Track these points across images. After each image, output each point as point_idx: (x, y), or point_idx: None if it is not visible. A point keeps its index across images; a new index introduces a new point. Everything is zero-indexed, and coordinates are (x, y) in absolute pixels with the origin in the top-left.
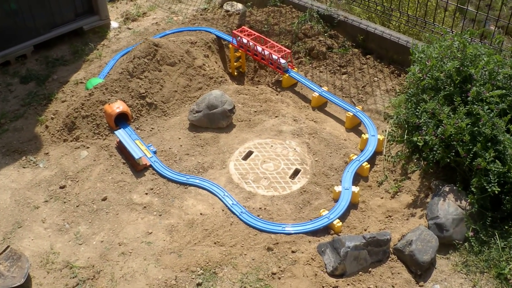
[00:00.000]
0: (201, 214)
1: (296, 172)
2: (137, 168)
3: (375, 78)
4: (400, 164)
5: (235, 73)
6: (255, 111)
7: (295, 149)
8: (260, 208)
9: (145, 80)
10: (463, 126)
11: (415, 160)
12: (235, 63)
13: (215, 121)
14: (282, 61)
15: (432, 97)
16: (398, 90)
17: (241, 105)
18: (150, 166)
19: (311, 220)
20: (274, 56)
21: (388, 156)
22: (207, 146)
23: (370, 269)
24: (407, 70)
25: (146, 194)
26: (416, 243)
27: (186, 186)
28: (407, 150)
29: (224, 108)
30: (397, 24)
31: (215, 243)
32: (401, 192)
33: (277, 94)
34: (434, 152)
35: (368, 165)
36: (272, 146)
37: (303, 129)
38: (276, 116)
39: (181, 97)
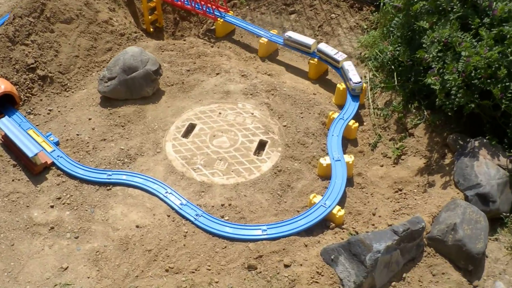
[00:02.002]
0: (137, 226)
1: (262, 145)
2: (34, 170)
3: (332, 15)
4: (394, 117)
5: (151, 29)
6: (188, 70)
7: (252, 113)
8: (222, 205)
9: (33, 46)
10: (494, 57)
11: (414, 111)
12: (149, 17)
13: (137, 89)
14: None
15: (434, 23)
16: (365, 26)
17: (168, 65)
18: (53, 164)
19: (299, 212)
20: None
21: (376, 108)
22: (130, 125)
23: (403, 274)
24: (370, 2)
25: (52, 207)
26: (461, 227)
27: (109, 187)
28: (401, 98)
29: (146, 70)
30: None
31: (166, 270)
32: (405, 154)
33: (212, 46)
34: (455, 97)
35: (356, 124)
36: (220, 113)
37: (257, 86)
38: (217, 74)
39: (84, 63)
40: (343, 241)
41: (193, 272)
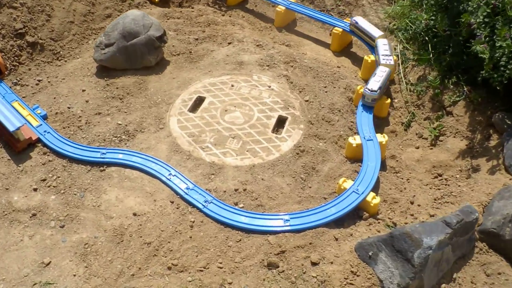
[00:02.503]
0: (134, 214)
1: (281, 122)
2: (17, 147)
3: None
4: (428, 94)
5: None
6: (196, 39)
7: (269, 86)
8: (236, 190)
9: (22, 9)
10: None
11: (452, 87)
12: None
13: (138, 58)
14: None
15: None
16: None
17: (174, 33)
18: (38, 141)
19: (327, 200)
20: None
21: (408, 84)
22: (129, 98)
23: (453, 274)
24: None
25: (35, 190)
26: None
27: (102, 168)
28: (436, 73)
29: (149, 36)
30: None
31: (169, 267)
32: (444, 135)
33: (223, 15)
34: (505, 68)
35: (388, 100)
36: (233, 86)
37: (275, 57)
38: (229, 43)
39: (80, 30)
40: (383, 234)
41: (201, 271)
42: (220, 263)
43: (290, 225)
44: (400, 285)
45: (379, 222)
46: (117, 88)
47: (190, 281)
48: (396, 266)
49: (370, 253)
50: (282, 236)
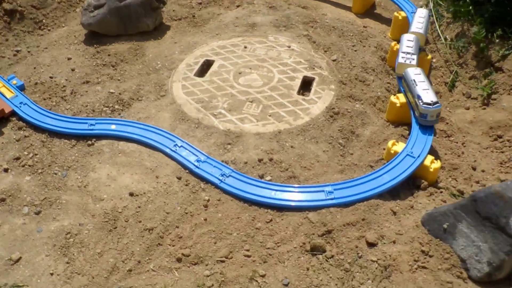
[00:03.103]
0: (131, 195)
1: (307, 83)
2: None
3: None
4: (470, 51)
5: None
6: (199, 3)
7: (289, 46)
8: (260, 160)
9: None
10: None
11: (498, 41)
12: None
13: (133, 21)
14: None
15: None
16: None
17: None
18: (12, 114)
19: (374, 168)
20: None
21: (447, 41)
22: (123, 65)
23: None
24: None
25: (6, 170)
26: None
27: (90, 141)
28: (478, 27)
29: None
30: None
31: (179, 259)
32: (497, 93)
33: None
34: None
35: (429, 56)
36: (246, 47)
37: (292, 17)
38: (237, 6)
39: None
40: (461, 200)
41: (223, 261)
42: (247, 250)
43: (334, 198)
44: (491, 264)
45: (441, 192)
46: (108, 55)
47: (208, 276)
48: (484, 238)
49: (445, 226)
50: (326, 212)
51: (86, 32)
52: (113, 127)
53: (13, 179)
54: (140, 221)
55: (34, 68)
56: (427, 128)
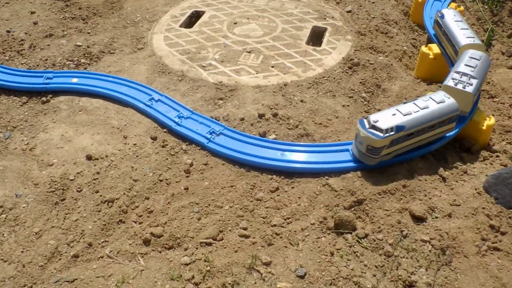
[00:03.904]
0: (89, 158)
1: (317, 35)
2: None
3: None
4: (506, 8)
5: None
6: None
7: None
8: (261, 116)
9: None
10: None
11: None
12: None
13: None
14: None
15: None
16: None
17: None
18: None
19: None
20: None
21: None
22: (95, 19)
23: None
24: None
25: None
26: None
27: (45, 97)
28: None
29: None
30: None
31: (146, 240)
32: None
33: None
34: None
35: (462, 7)
36: None
37: None
38: None
39: None
40: None
41: (209, 244)
42: (244, 229)
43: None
44: None
45: (497, 156)
46: (79, 8)
47: (187, 264)
48: None
49: None
50: (353, 176)
51: None
52: (74, 80)
53: None
54: (97, 191)
55: None
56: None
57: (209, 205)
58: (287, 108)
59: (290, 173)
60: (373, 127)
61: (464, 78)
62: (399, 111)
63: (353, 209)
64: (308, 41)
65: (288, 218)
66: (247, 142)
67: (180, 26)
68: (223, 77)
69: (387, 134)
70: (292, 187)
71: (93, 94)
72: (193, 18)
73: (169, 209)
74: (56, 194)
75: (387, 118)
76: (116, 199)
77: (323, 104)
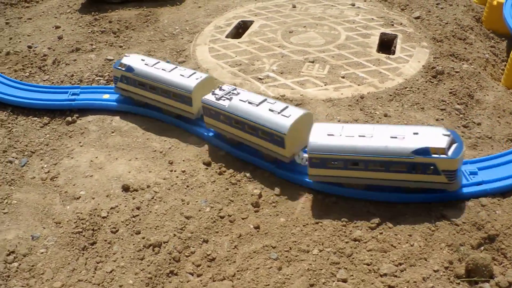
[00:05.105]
0: (126, 189)
1: (387, 42)
2: None
3: None
4: None
5: None
6: None
7: (353, 4)
8: None
9: None
10: None
11: None
12: None
13: None
14: None
15: None
16: None
17: None
18: None
19: None
20: None
21: None
22: (128, 32)
23: None
24: None
25: None
26: None
27: (71, 117)
28: None
29: None
30: None
31: None
32: None
33: None
34: None
35: None
36: (295, 7)
37: None
38: None
39: None
40: None
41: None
42: (344, 281)
43: (483, 182)
44: None
45: None
46: (109, 22)
47: None
48: None
49: None
50: (475, 206)
51: (84, 1)
52: (106, 96)
53: None
54: (138, 232)
55: (10, 39)
56: None
57: (290, 249)
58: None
59: (391, 204)
60: None
61: None
62: None
63: (482, 247)
64: (378, 49)
65: (401, 264)
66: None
67: (227, 36)
68: (285, 90)
69: None
70: (397, 222)
71: (129, 112)
72: (240, 29)
73: (236, 255)
74: (84, 236)
75: None
76: (165, 242)
77: (412, 119)
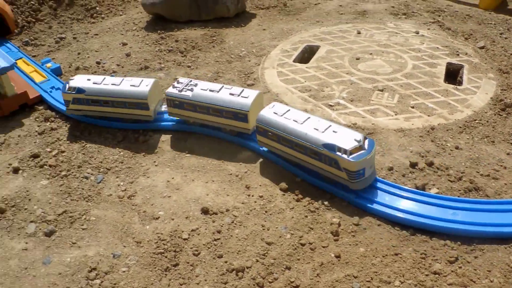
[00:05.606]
0: (205, 212)
1: (452, 72)
2: (1, 109)
3: None
4: None
5: None
6: None
7: (417, 32)
8: (415, 166)
9: None
10: None
11: None
12: None
13: (209, 2)
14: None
15: None
16: None
17: None
18: (40, 102)
19: None
20: None
21: None
22: (195, 52)
23: None
24: None
25: (17, 170)
26: None
27: (144, 136)
28: None
29: None
30: None
31: None
32: None
33: None
34: None
35: None
36: (360, 33)
37: (412, 6)
38: None
39: None
40: None
41: None
42: None
43: None
44: None
45: None
46: (176, 41)
47: None
48: None
49: None
50: None
51: (149, 19)
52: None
53: (23, 183)
54: (220, 256)
55: (78, 54)
56: None
57: (371, 279)
58: (441, 156)
59: (469, 238)
60: None
61: None
62: None
63: None
64: (446, 79)
65: None
66: (404, 197)
67: (294, 61)
68: (357, 118)
69: None
70: (475, 257)
71: (202, 133)
72: (306, 54)
73: (319, 283)
74: (166, 257)
75: None
76: (248, 267)
77: (484, 152)
